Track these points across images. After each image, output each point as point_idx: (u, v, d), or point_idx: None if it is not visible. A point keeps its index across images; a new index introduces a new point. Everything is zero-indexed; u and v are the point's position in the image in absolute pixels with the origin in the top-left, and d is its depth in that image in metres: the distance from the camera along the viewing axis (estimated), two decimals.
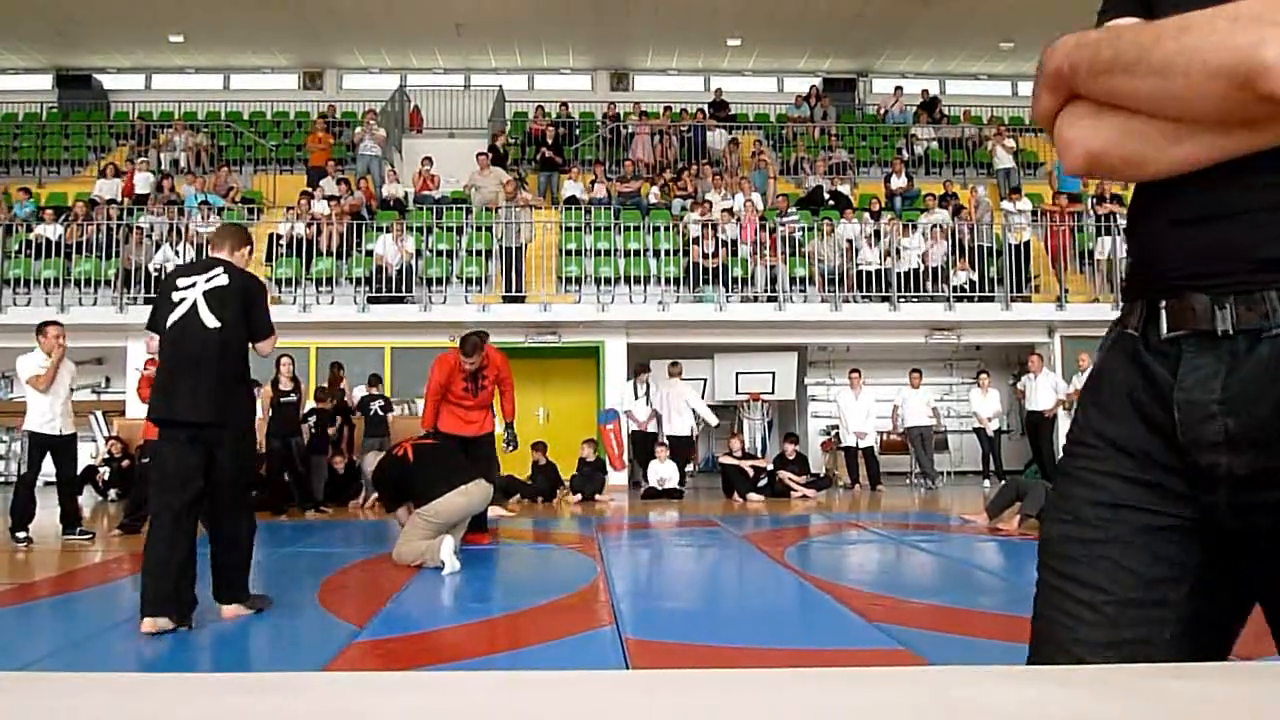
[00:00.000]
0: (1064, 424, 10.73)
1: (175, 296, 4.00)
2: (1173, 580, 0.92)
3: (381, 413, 10.11)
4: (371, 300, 11.49)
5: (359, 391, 10.43)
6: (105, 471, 10.66)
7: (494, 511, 8.26)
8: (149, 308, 4.27)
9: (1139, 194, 0.97)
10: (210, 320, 3.93)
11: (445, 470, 5.60)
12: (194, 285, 4.00)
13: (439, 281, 11.99)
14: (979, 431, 11.87)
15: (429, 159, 14.02)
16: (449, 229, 12.43)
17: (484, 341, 6.61)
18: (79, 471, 7.77)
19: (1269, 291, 0.85)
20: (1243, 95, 0.78)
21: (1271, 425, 0.85)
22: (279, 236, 12.11)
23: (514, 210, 11.75)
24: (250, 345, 4.14)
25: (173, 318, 3.97)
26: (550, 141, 14.58)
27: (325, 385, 10.09)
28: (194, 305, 3.95)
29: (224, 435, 3.93)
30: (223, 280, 4.00)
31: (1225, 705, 0.43)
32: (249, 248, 4.27)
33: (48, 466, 6.88)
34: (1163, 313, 0.92)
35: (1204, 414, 0.88)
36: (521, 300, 11.65)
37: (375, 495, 8.21)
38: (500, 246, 11.70)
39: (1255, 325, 0.86)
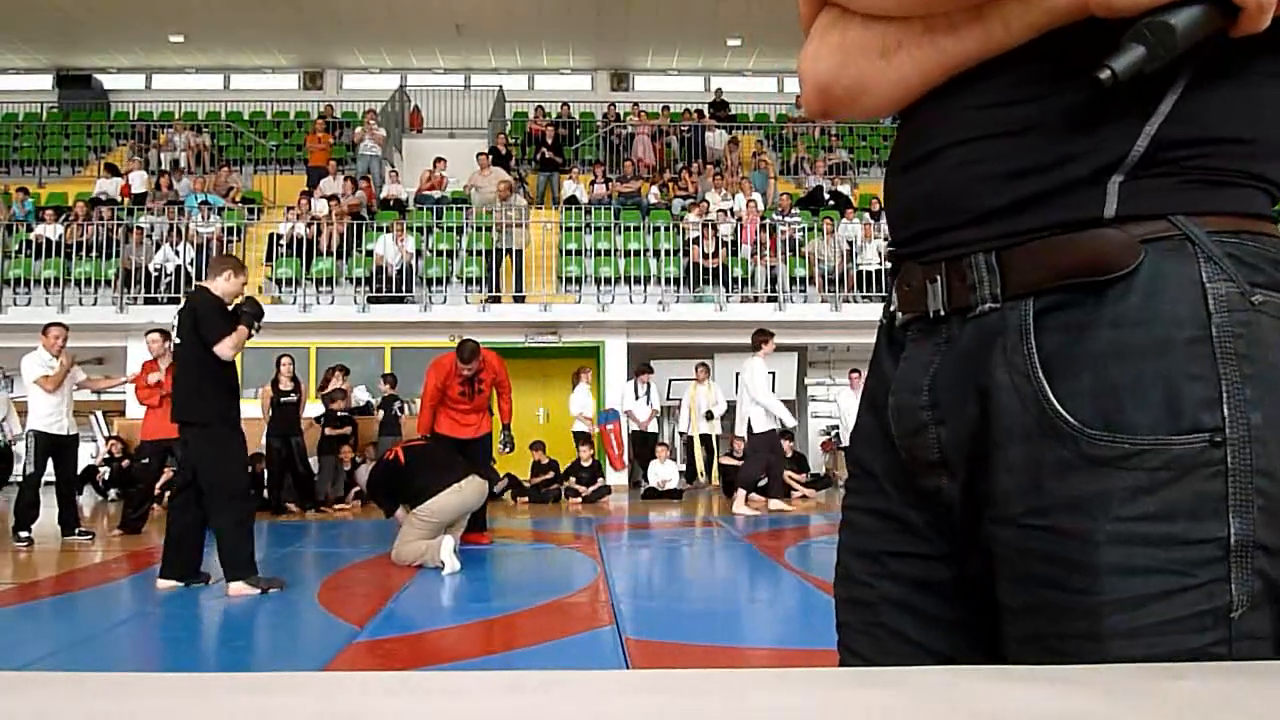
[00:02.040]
0: None
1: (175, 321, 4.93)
2: (966, 645, 0.70)
3: (399, 414, 10.08)
4: (371, 300, 11.49)
5: (360, 392, 10.40)
6: (105, 471, 10.66)
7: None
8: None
9: None
10: (177, 339, 4.81)
11: (438, 469, 5.59)
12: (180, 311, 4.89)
13: (439, 281, 11.99)
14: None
15: (442, 159, 13.95)
16: (449, 229, 12.43)
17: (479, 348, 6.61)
18: (79, 471, 7.75)
19: (976, 255, 0.64)
20: None
21: (978, 432, 0.64)
22: (279, 236, 12.11)
23: (509, 212, 11.72)
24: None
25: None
26: (550, 142, 14.58)
27: (324, 386, 10.07)
28: (176, 329, 4.83)
29: (189, 432, 4.64)
30: (182, 304, 4.85)
31: (1227, 705, 0.43)
32: (229, 272, 4.82)
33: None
34: (894, 292, 0.72)
35: (915, 423, 0.68)
36: (522, 300, 11.65)
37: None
38: (497, 249, 11.70)
39: (965, 302, 0.65)
